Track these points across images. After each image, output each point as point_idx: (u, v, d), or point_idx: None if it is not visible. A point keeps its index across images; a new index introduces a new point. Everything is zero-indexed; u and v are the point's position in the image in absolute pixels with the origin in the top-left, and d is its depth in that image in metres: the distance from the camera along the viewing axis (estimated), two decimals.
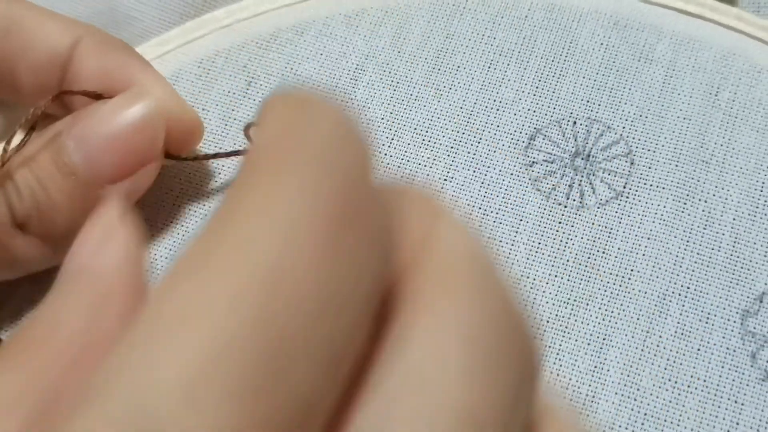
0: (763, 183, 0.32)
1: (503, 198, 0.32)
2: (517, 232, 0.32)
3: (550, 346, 0.30)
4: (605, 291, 0.31)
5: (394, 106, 0.34)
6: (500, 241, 0.32)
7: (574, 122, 0.33)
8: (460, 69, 0.35)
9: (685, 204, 0.32)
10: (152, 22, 0.39)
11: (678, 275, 0.31)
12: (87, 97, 0.30)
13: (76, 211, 0.29)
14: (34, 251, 0.29)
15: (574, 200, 0.32)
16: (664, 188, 0.32)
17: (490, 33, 0.35)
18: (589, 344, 0.30)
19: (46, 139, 0.29)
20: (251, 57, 0.35)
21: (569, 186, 0.32)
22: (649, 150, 0.33)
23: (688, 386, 0.29)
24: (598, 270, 0.31)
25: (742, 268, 0.31)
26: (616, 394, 0.29)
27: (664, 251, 0.31)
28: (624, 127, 0.33)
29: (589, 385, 0.29)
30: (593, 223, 0.32)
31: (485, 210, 0.32)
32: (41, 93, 0.31)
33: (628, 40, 0.35)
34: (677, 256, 0.31)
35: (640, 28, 0.35)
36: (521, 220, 0.32)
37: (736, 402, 0.29)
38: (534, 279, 0.31)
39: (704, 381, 0.29)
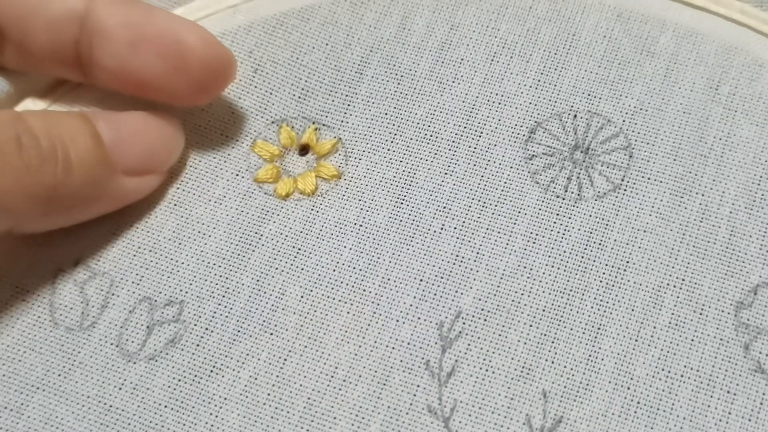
0: (761, 177, 0.32)
1: (502, 191, 0.33)
2: (515, 223, 0.32)
3: (545, 335, 0.30)
4: (601, 282, 0.31)
5: (398, 100, 0.34)
6: (498, 233, 0.32)
7: (575, 115, 0.34)
8: (464, 62, 0.35)
9: (682, 197, 0.32)
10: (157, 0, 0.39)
11: (673, 267, 0.31)
12: None
13: (84, 183, 0.30)
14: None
15: (572, 192, 0.32)
16: (661, 181, 0.32)
17: (494, 24, 0.35)
18: (584, 333, 0.30)
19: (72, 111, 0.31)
20: (257, 42, 0.35)
21: (567, 178, 0.33)
22: (648, 143, 0.33)
23: (681, 376, 0.29)
24: (594, 261, 0.31)
25: (737, 260, 0.31)
26: (609, 383, 0.30)
27: (660, 244, 0.31)
28: (624, 120, 0.33)
29: (583, 374, 0.30)
30: (590, 215, 0.32)
31: (484, 202, 0.32)
32: (53, 54, 0.32)
33: (631, 32, 0.35)
34: (673, 249, 0.31)
35: (644, 20, 0.35)
36: (519, 212, 0.32)
37: (728, 392, 0.29)
38: (531, 269, 0.31)
39: (697, 371, 0.29)
